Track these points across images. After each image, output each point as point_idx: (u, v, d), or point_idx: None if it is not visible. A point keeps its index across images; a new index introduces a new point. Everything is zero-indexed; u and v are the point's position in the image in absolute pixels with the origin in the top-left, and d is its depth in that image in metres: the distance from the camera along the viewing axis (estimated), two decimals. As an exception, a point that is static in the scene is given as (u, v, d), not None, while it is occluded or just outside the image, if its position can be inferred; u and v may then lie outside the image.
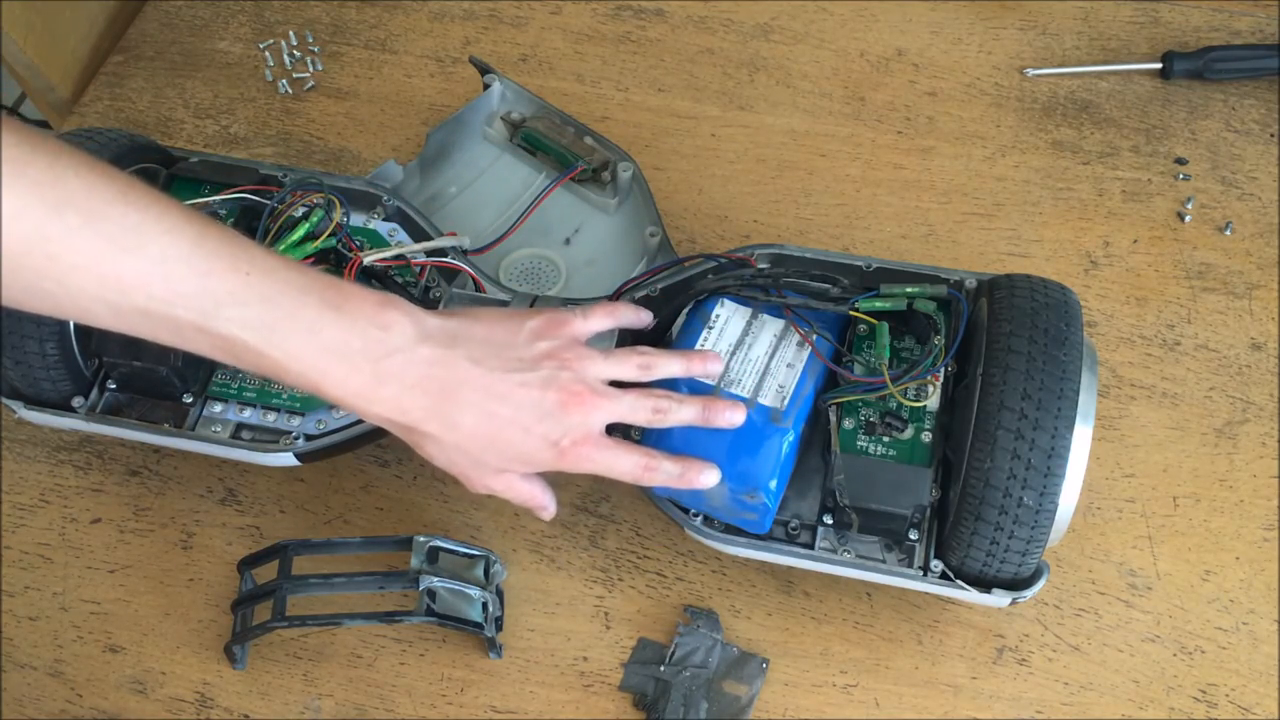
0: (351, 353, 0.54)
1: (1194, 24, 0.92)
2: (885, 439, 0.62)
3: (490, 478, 0.60)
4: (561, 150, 0.79)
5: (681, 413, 0.60)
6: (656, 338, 0.68)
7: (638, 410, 0.59)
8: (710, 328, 0.64)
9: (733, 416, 0.60)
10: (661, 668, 0.65)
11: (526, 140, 0.81)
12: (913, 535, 0.62)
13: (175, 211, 0.51)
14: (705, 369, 0.62)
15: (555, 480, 0.69)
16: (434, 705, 0.65)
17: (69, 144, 0.50)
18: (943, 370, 0.63)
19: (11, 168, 0.46)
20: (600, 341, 0.65)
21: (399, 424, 0.57)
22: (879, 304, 0.64)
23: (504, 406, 0.56)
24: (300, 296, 0.53)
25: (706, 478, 0.60)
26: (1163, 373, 0.76)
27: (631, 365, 0.61)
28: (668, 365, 0.62)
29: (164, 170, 0.72)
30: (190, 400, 0.67)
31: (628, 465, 0.59)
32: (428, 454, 0.58)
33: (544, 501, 0.62)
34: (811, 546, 0.63)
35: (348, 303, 0.55)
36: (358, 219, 0.71)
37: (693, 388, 0.62)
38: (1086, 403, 0.59)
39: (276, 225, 0.67)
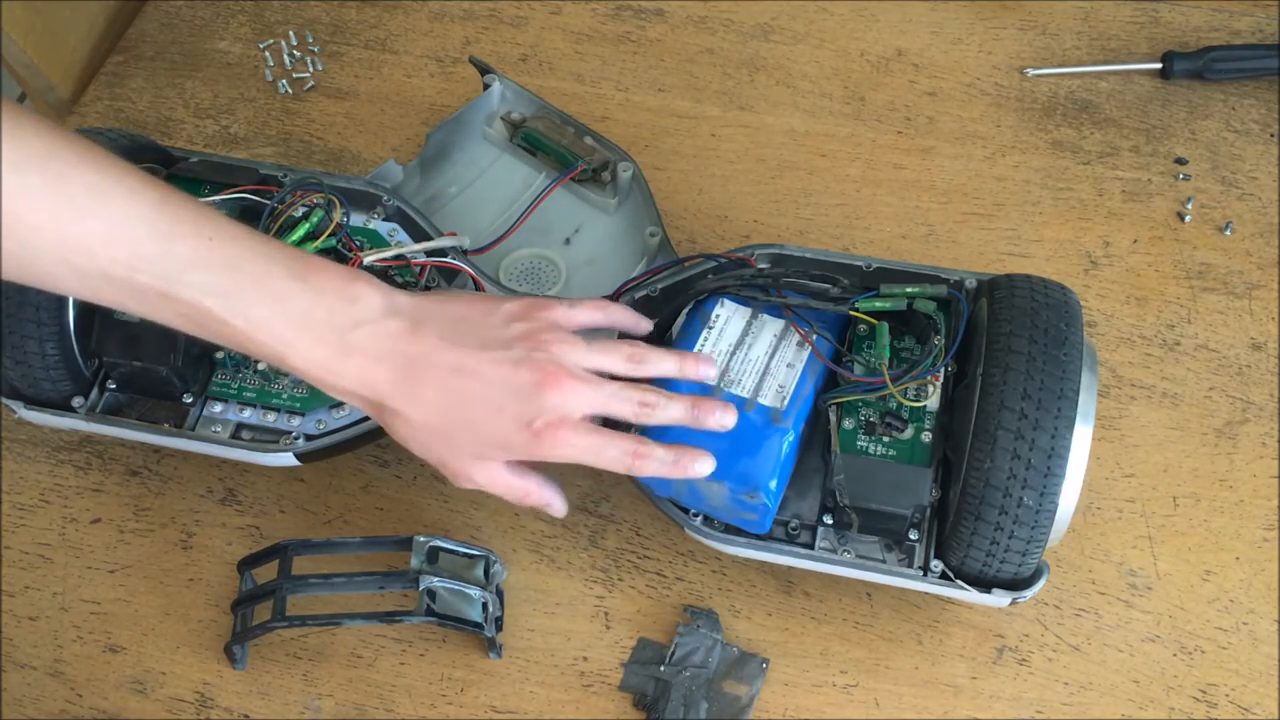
0: (317, 323, 0.53)
1: (1194, 24, 0.92)
2: (885, 439, 0.62)
3: (470, 466, 0.57)
4: (561, 150, 0.79)
5: (670, 410, 0.57)
6: (656, 338, 0.68)
7: (622, 401, 0.56)
8: (710, 328, 0.64)
9: (724, 418, 0.58)
10: (661, 668, 0.65)
11: (526, 140, 0.81)
12: (913, 535, 0.62)
13: (136, 175, 0.51)
14: (699, 372, 0.59)
15: (557, 478, 0.69)
16: (434, 705, 0.65)
17: (28, 109, 0.50)
18: (943, 370, 0.63)
19: None
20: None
21: (365, 399, 0.56)
22: (879, 304, 0.64)
23: (472, 383, 0.54)
24: (265, 265, 0.53)
25: (702, 465, 0.57)
26: (1163, 373, 0.76)
27: (619, 356, 0.58)
28: (660, 362, 0.59)
29: (164, 170, 0.72)
30: (190, 400, 0.67)
31: (614, 452, 0.56)
32: (400, 437, 0.57)
33: (546, 497, 0.59)
34: (811, 546, 0.63)
35: (314, 275, 0.54)
36: (358, 219, 0.71)
37: (695, 389, 0.61)
38: (1086, 403, 0.59)
39: (276, 225, 0.67)
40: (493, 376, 0.55)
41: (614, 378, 0.58)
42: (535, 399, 0.54)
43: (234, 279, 0.52)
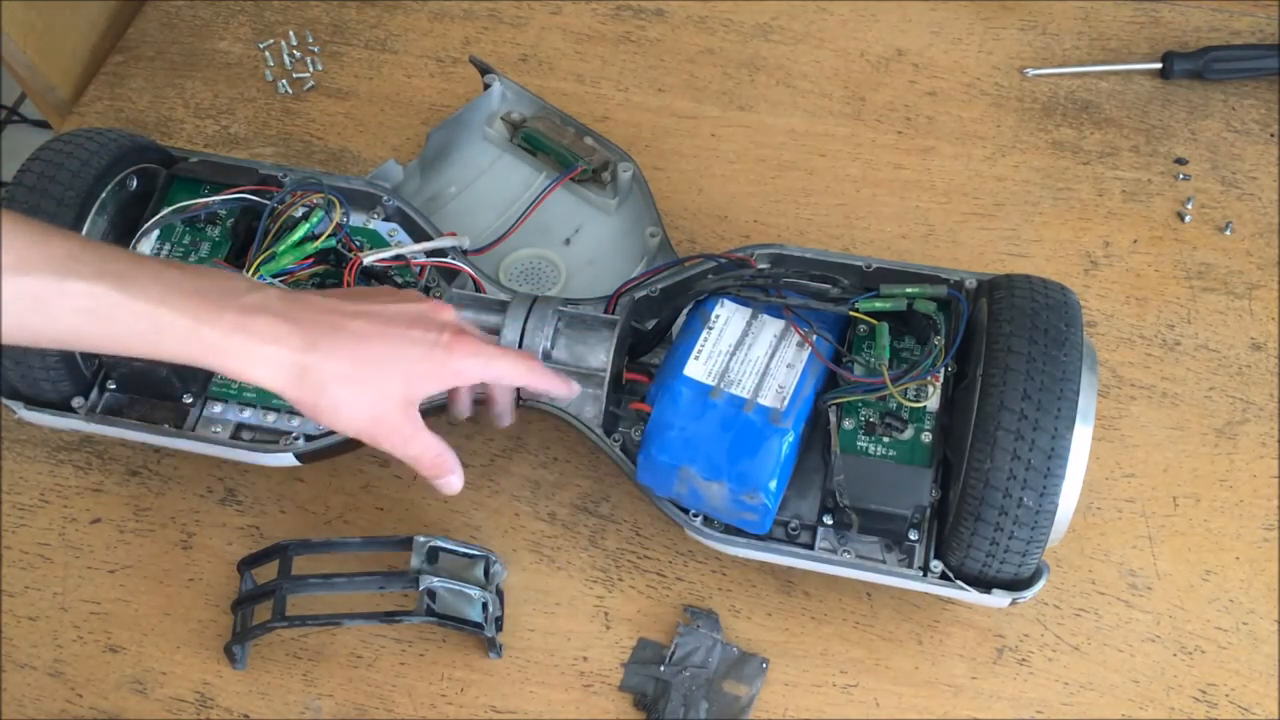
0: (215, 292, 0.54)
1: (1194, 24, 0.92)
2: (885, 439, 0.62)
3: (401, 418, 0.58)
4: (561, 150, 0.79)
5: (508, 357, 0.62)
6: (656, 339, 0.68)
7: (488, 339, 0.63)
8: (710, 328, 0.64)
9: (561, 387, 0.64)
10: (661, 668, 0.65)
11: (526, 140, 0.81)
12: (913, 535, 0.62)
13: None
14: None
15: (556, 480, 0.70)
16: (434, 705, 0.65)
17: None
18: (943, 370, 0.63)
19: None
20: (601, 342, 0.65)
21: (284, 361, 0.54)
22: (879, 304, 0.64)
23: (376, 322, 0.57)
24: (140, 258, 0.55)
25: (572, 386, 0.64)
26: (1163, 373, 0.76)
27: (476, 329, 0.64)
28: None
29: (164, 170, 0.72)
30: (190, 400, 0.67)
31: (512, 357, 0.61)
32: (331, 404, 0.56)
33: (450, 465, 0.61)
34: (811, 546, 0.63)
35: (189, 266, 0.57)
36: (358, 219, 0.71)
37: (695, 389, 0.62)
38: (1086, 403, 0.59)
39: (276, 225, 0.67)
40: (390, 311, 0.58)
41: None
42: (434, 317, 0.59)
43: (121, 264, 0.53)
